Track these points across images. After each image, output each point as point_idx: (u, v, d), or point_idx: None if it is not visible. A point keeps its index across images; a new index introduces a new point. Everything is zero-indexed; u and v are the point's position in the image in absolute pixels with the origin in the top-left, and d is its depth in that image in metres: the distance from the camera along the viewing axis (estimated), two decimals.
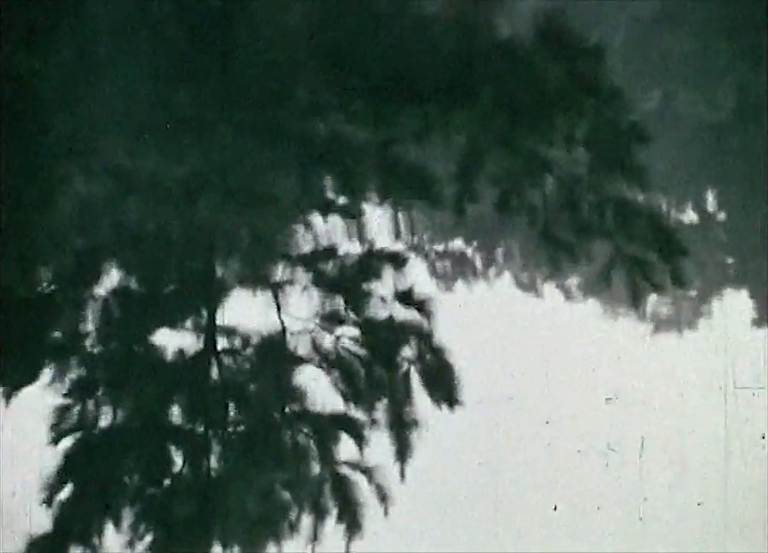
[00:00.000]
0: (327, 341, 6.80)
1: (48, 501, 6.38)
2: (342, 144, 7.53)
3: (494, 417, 6.54)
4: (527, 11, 8.11)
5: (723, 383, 6.80)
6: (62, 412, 6.62)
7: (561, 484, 6.54)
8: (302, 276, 7.00)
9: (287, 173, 7.34)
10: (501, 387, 6.61)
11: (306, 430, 6.58)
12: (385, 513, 6.41)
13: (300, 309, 6.91)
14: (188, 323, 6.91)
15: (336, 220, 7.31)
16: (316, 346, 6.79)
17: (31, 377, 6.65)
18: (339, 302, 6.93)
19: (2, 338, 6.75)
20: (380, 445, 6.56)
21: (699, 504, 6.64)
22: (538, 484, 6.52)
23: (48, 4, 7.69)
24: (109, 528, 6.43)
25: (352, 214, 7.27)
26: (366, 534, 6.47)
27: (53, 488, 6.44)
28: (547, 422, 6.63)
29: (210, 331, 6.80)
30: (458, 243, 7.35)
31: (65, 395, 6.67)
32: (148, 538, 6.39)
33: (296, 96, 7.54)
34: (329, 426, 6.58)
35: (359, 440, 6.56)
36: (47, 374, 6.78)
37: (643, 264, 7.13)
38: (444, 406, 6.63)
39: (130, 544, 6.34)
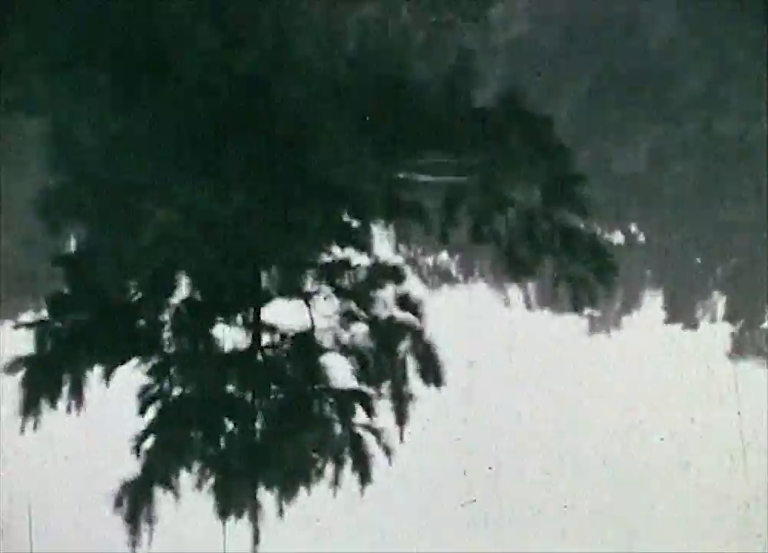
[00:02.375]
0: (345, 335, 6.97)
1: (137, 452, 6.43)
2: (356, 186, 7.86)
3: (471, 393, 6.70)
4: (495, 87, 8.49)
5: (647, 367, 6.88)
6: (146, 386, 6.70)
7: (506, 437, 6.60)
8: (326, 286, 7.23)
9: (314, 208, 7.66)
10: (476, 370, 6.77)
11: (329, 402, 6.70)
12: (389, 464, 6.51)
13: (325, 311, 7.09)
14: (239, 322, 7.03)
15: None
16: (336, 339, 6.94)
17: (124, 360, 6.78)
18: (353, 305, 7.16)
19: (103, 332, 6.97)
20: (385, 413, 6.66)
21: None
22: (499, 438, 6.51)
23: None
24: (183, 473, 6.44)
25: (364, 246, 7.51)
26: (375, 480, 6.51)
27: (140, 442, 6.48)
28: (513, 395, 6.67)
29: (256, 328, 6.97)
30: (443, 259, 7.59)
31: (148, 374, 6.76)
32: (211, 481, 6.42)
33: (321, 150, 7.90)
34: (347, 399, 6.70)
35: (369, 409, 6.67)
36: (135, 358, 6.82)
37: (581, 279, 7.36)
38: (432, 385, 6.78)
39: (198, 485, 6.40)
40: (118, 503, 6.32)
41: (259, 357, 6.86)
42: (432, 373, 6.78)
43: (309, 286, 7.21)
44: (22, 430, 6.40)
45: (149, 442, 6.49)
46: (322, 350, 6.87)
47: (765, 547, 6.30)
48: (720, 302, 7.48)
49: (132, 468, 6.44)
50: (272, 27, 9.14)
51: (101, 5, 9.26)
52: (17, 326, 6.91)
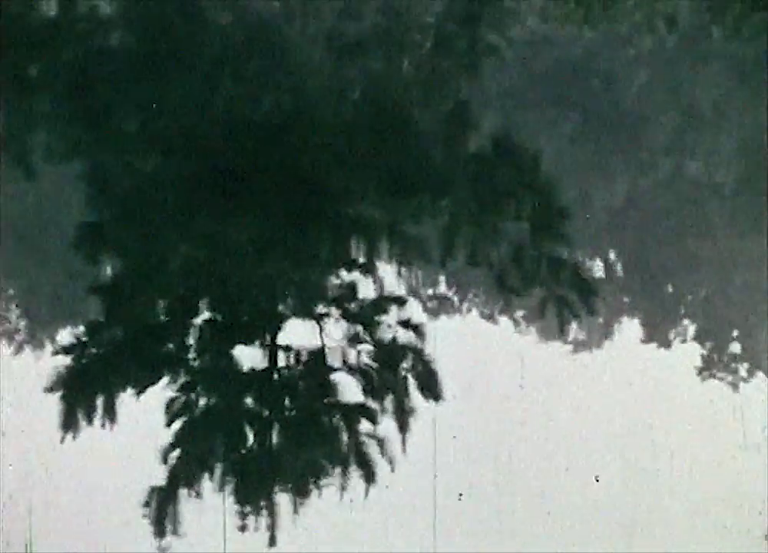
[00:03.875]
0: (352, 355, 6.92)
1: (164, 460, 6.32)
2: (364, 222, 7.91)
3: (465, 407, 6.62)
4: (487, 130, 8.58)
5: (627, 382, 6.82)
6: (173, 402, 6.60)
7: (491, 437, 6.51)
8: (335, 310, 7.22)
9: (325, 240, 7.75)
10: (470, 385, 6.72)
11: (338, 414, 6.60)
12: (392, 469, 6.38)
13: (334, 332, 7.07)
14: (257, 343, 6.99)
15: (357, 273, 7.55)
16: (345, 358, 6.89)
17: (155, 380, 6.72)
18: (360, 328, 7.11)
19: (135, 352, 6.93)
20: (388, 425, 6.55)
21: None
22: (488, 445, 6.41)
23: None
24: (205, 478, 6.29)
25: (368, 271, 7.54)
26: (378, 484, 6.34)
27: (167, 451, 6.36)
28: (503, 406, 6.59)
29: (272, 348, 6.94)
30: (441, 287, 7.65)
31: (176, 391, 6.67)
32: (232, 484, 6.29)
33: (333, 189, 8.01)
34: (354, 412, 6.61)
35: (374, 421, 6.57)
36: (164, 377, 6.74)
37: (567, 301, 7.38)
38: (430, 399, 6.69)
39: (220, 488, 6.27)
40: (146, 506, 6.17)
41: (275, 375, 6.80)
42: (430, 388, 6.72)
43: (320, 309, 7.20)
44: (62, 441, 6.32)
45: (175, 452, 6.37)
46: (332, 368, 6.82)
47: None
48: (690, 326, 7.49)
49: (148, 474, 6.31)
50: (288, 79, 9.25)
51: (136, 61, 9.39)
52: (56, 352, 6.89)
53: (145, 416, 6.47)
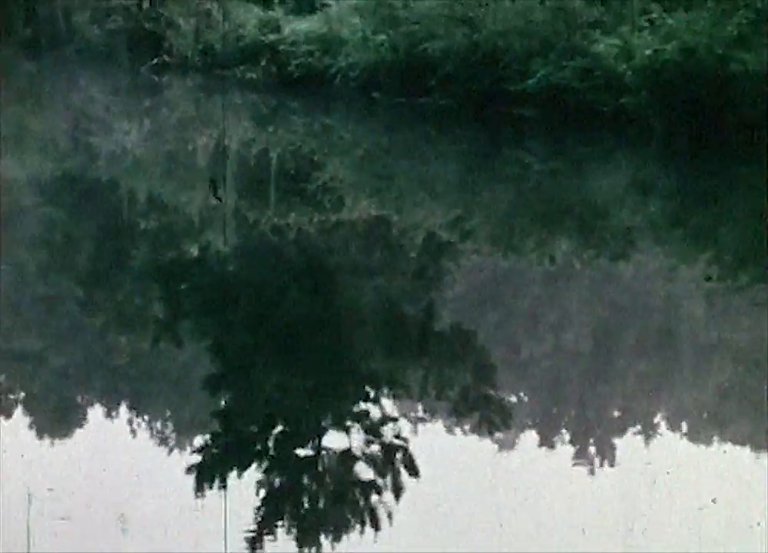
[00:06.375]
0: (367, 451, 6.93)
1: (255, 516, 6.15)
2: (372, 373, 8.38)
3: (436, 482, 6.56)
4: (445, 318, 9.13)
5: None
6: (260, 482, 6.67)
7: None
8: (357, 424, 7.49)
9: (350, 384, 8.16)
10: (438, 469, 6.72)
11: (357, 489, 6.64)
12: (390, 522, 6.24)
13: (357, 437, 7.25)
14: (309, 444, 7.22)
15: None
16: (363, 454, 6.91)
17: (249, 465, 6.82)
18: (372, 436, 7.30)
19: (238, 450, 7.16)
20: (388, 494, 6.52)
21: None
22: (445, 503, 6.17)
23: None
24: (278, 523, 6.15)
25: (375, 401, 7.81)
26: (381, 532, 6.15)
27: (257, 510, 6.25)
28: (454, 482, 6.26)
29: (318, 447, 7.09)
30: (419, 412, 7.89)
31: (261, 473, 6.77)
32: (294, 530, 6.21)
33: (355, 352, 8.53)
34: (368, 487, 6.62)
35: (379, 492, 6.57)
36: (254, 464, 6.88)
37: (493, 420, 7.63)
38: (413, 478, 6.71)
39: (287, 532, 6.10)
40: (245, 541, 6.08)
41: (321, 463, 6.93)
42: (413, 471, 6.82)
43: (348, 424, 7.48)
44: (196, 497, 6.39)
45: (261, 511, 6.35)
46: (355, 459, 6.97)
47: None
48: (566, 435, 7.65)
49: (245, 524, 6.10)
50: (326, 290, 9.98)
51: (239, 280, 10.17)
52: (193, 451, 7.02)
53: (243, 488, 6.36)
